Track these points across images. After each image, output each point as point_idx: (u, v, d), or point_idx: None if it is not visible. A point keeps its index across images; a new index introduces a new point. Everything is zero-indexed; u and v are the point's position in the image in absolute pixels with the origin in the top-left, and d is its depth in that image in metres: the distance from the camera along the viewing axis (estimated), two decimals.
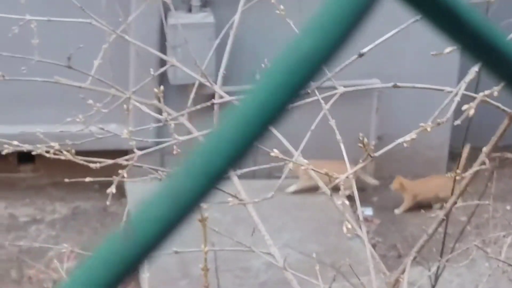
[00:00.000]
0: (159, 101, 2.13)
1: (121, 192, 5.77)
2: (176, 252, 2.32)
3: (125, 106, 2.10)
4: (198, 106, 1.90)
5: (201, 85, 6.12)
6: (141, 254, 0.47)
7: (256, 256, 5.30)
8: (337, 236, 5.65)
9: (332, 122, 1.87)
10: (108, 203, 2.15)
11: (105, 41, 2.66)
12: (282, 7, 2.05)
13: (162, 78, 5.59)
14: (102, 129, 2.20)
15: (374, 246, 5.78)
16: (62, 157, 2.10)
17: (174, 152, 1.85)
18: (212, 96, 5.91)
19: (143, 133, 2.81)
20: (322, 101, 1.85)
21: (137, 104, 2.22)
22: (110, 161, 2.15)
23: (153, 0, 5.13)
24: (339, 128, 2.12)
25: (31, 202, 5.79)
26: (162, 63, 5.32)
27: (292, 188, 5.75)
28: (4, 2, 3.04)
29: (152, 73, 2.27)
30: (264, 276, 5.38)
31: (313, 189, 3.63)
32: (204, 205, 1.96)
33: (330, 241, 5.61)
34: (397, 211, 5.81)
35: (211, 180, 0.46)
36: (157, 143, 2.48)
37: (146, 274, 2.61)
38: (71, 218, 5.67)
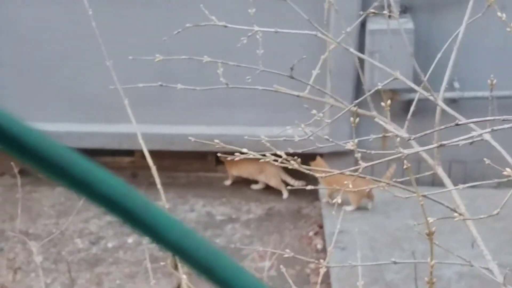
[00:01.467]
0: (385, 114, 2.15)
1: (315, 195, 5.85)
2: (395, 263, 2.34)
3: (351, 119, 2.13)
4: (442, 127, 1.90)
5: (395, 91, 6.06)
6: None
7: (447, 266, 5.25)
8: None
9: None
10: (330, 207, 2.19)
11: (322, 51, 2.72)
12: None
13: (358, 84, 5.61)
14: (328, 139, 2.24)
15: None
16: (289, 166, 2.16)
17: (405, 167, 1.86)
18: (408, 102, 5.83)
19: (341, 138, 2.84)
20: None
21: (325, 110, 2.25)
22: (335, 172, 2.19)
23: (353, 6, 5.17)
24: None
25: (228, 202, 5.94)
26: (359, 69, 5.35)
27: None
28: (234, 13, 3.15)
29: (379, 86, 2.29)
30: (455, 286, 5.31)
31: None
32: (430, 219, 1.96)
33: None
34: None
35: None
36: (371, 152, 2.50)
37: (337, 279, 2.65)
38: (265, 218, 5.77)
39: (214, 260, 0.52)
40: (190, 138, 2.63)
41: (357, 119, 2.13)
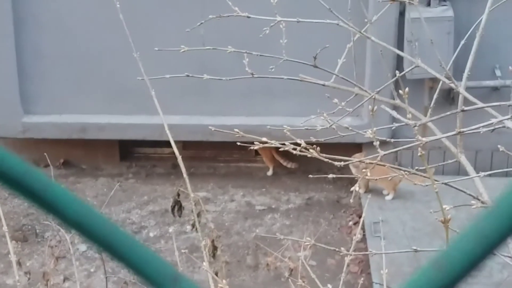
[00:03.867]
0: (404, 101, 2.16)
1: (354, 184, 5.84)
2: (416, 251, 2.35)
3: (370, 107, 2.14)
4: (448, 113, 1.90)
5: (438, 80, 6.03)
6: (450, 283, 0.52)
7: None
8: None
9: None
10: (351, 200, 2.20)
11: (348, 40, 2.72)
12: None
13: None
14: (347, 128, 2.25)
15: None
16: (308, 155, 2.17)
17: (419, 154, 1.87)
18: (449, 90, 5.77)
19: (380, 130, 2.84)
20: None
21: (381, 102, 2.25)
22: (355, 160, 2.21)
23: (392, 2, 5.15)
24: None
25: (267, 192, 5.96)
26: (399, 60, 5.34)
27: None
28: (256, 4, 3.17)
29: (397, 74, 2.29)
30: (498, 276, 5.27)
31: None
32: (446, 207, 1.97)
33: None
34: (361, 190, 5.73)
35: None
36: (394, 143, 2.51)
37: (384, 270, 2.65)
38: (305, 208, 5.78)
39: (113, 236, 0.54)
40: (236, 130, 2.64)
41: (375, 108, 2.13)
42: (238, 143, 2.35)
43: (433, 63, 2.65)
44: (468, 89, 2.56)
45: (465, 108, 1.86)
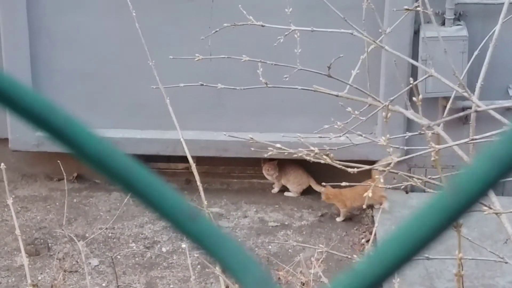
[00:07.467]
0: (417, 110, 2.17)
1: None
2: (429, 259, 2.35)
3: (383, 113, 2.15)
4: (457, 115, 1.92)
5: (448, 99, 6.05)
6: (465, 205, 0.53)
7: (501, 274, 5.18)
8: None
9: None
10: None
11: (361, 52, 2.74)
12: None
13: (411, 92, 5.59)
14: (360, 135, 2.26)
15: None
16: (322, 161, 2.18)
17: (433, 159, 1.88)
18: (462, 110, 5.79)
19: (394, 141, 2.85)
20: None
21: (396, 112, 2.26)
22: (367, 167, 2.22)
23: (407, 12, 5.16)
24: None
25: (280, 208, 5.97)
26: (413, 75, 5.34)
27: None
28: (270, 13, 3.19)
29: (411, 82, 2.31)
30: None
31: None
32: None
33: None
34: (338, 219, 5.80)
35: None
36: (407, 152, 2.52)
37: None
38: (318, 225, 5.79)
39: (132, 172, 0.55)
40: (250, 136, 2.65)
41: (389, 115, 2.15)
42: (265, 155, 2.36)
43: (447, 80, 2.65)
44: (482, 111, 2.57)
45: (479, 108, 1.87)
